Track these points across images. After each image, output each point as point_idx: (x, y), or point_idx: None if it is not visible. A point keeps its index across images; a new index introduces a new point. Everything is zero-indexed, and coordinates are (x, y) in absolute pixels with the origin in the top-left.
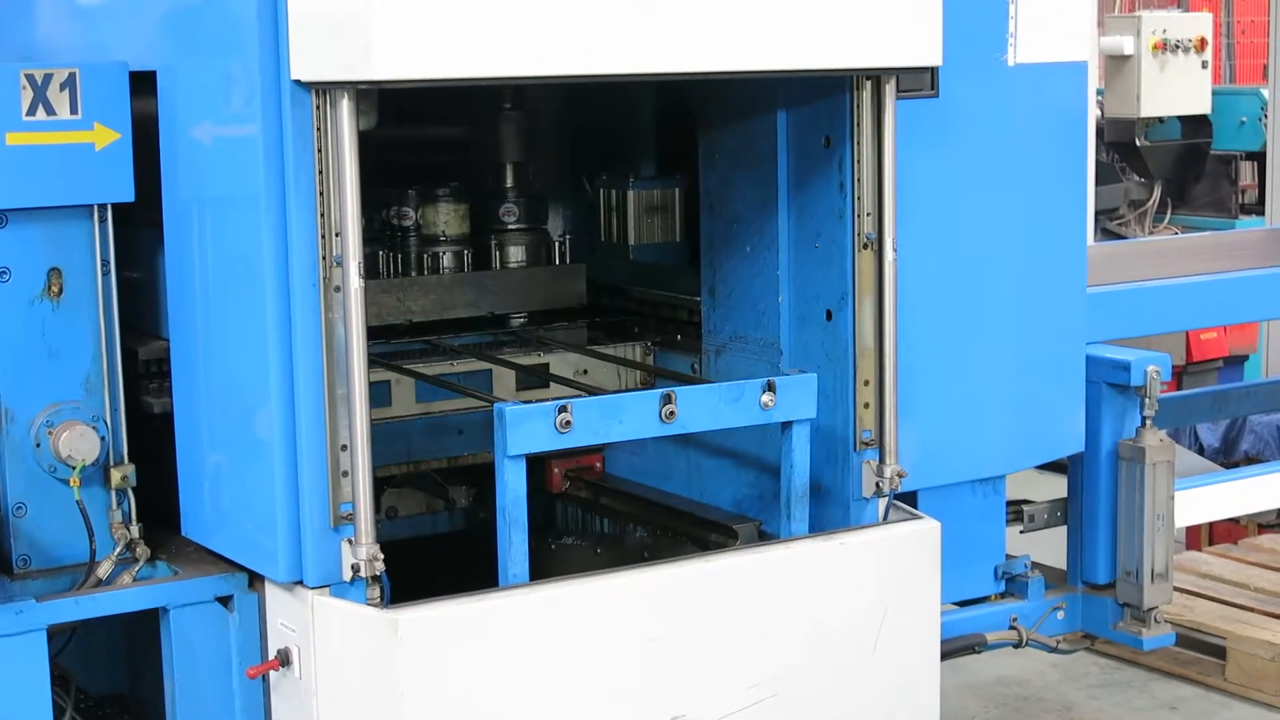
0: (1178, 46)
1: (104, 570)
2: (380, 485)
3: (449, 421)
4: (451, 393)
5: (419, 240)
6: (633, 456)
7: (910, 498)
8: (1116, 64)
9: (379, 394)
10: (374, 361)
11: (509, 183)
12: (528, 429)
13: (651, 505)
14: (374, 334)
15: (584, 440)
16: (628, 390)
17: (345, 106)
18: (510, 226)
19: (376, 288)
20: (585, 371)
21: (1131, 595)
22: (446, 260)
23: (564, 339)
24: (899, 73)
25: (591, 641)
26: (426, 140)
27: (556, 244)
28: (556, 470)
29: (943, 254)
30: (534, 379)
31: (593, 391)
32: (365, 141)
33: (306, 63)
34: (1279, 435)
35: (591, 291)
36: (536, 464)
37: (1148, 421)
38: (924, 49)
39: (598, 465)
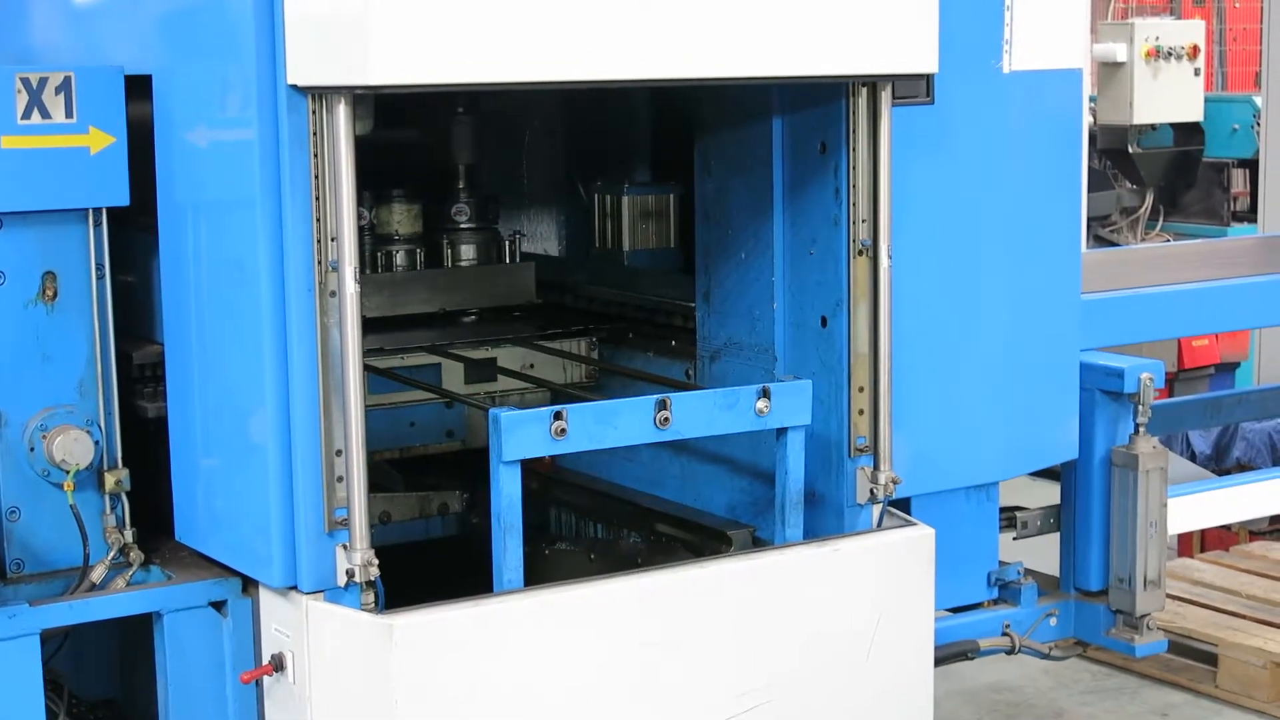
0: (1170, 54)
1: (98, 575)
2: None
3: (401, 414)
4: (402, 385)
5: (373, 239)
6: (627, 462)
7: (904, 504)
8: (1109, 71)
9: None
10: None
11: (460, 184)
12: (523, 435)
13: (645, 511)
14: None
15: (579, 446)
16: (573, 384)
17: (342, 111)
18: (462, 226)
19: None
20: (532, 366)
21: (1124, 602)
22: (399, 259)
23: (512, 334)
24: (895, 79)
25: (586, 647)
26: (382, 142)
27: (506, 242)
28: None
29: (937, 260)
30: (482, 372)
31: (540, 384)
32: None
33: (303, 67)
34: (1270, 442)
35: (585, 297)
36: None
37: (1141, 429)
38: (920, 56)
39: (547, 458)
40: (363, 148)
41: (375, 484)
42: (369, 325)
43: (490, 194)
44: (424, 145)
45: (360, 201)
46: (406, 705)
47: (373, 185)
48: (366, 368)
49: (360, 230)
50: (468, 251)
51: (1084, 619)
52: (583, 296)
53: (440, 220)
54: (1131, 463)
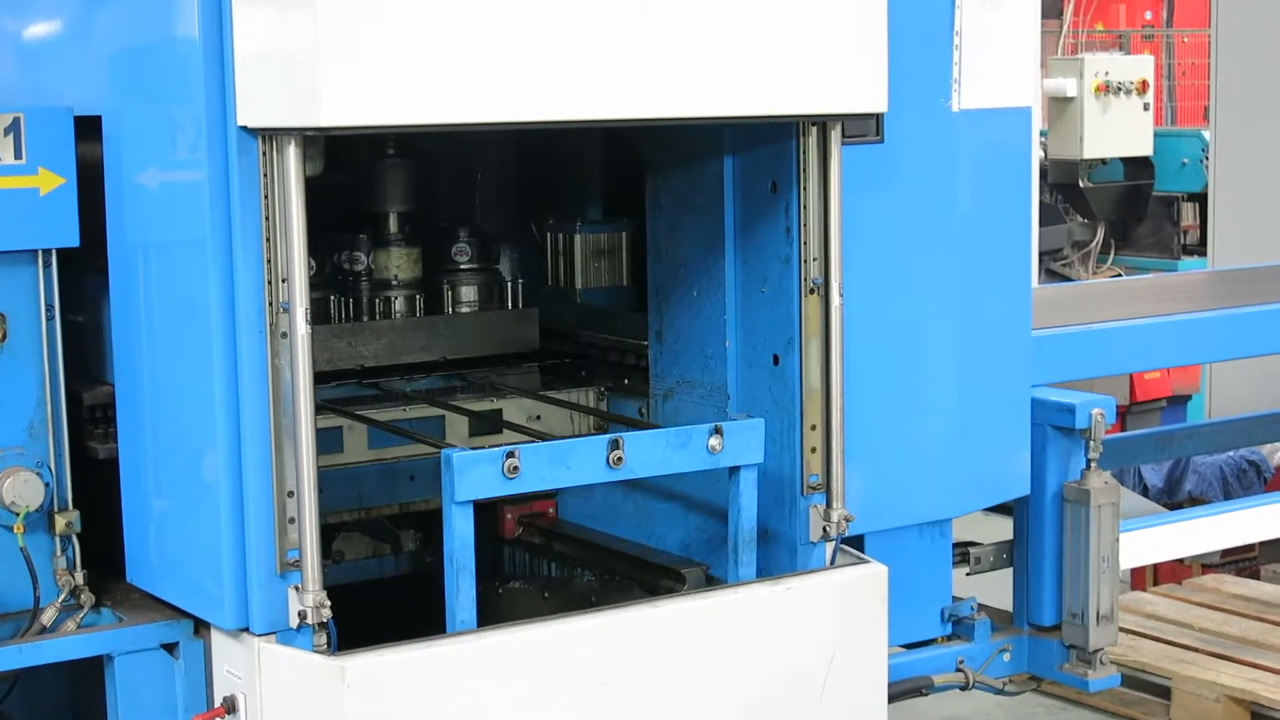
0: (1120, 89)
1: (48, 617)
2: (332, 531)
3: (401, 467)
4: (404, 438)
5: (371, 285)
6: (581, 500)
7: (857, 541)
8: (1059, 106)
9: (331, 440)
10: (326, 407)
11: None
12: (475, 475)
13: (599, 549)
14: (326, 379)
15: (532, 486)
16: (579, 436)
17: (292, 153)
18: (463, 266)
19: (328, 333)
20: (538, 417)
21: (1077, 637)
22: (398, 304)
23: (516, 384)
24: (845, 119)
25: (540, 687)
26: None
27: (509, 285)
28: (509, 516)
29: (887, 297)
30: (486, 425)
31: (545, 437)
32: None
33: (253, 109)
34: (1222, 476)
35: (539, 335)
36: (489, 509)
37: (1092, 464)
38: (869, 95)
39: (550, 511)
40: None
41: (373, 538)
42: (367, 374)
43: (491, 234)
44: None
45: (357, 246)
46: None
47: (370, 229)
48: (367, 420)
49: (357, 275)
50: (468, 293)
51: (1037, 654)
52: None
53: (440, 261)
54: (1083, 498)
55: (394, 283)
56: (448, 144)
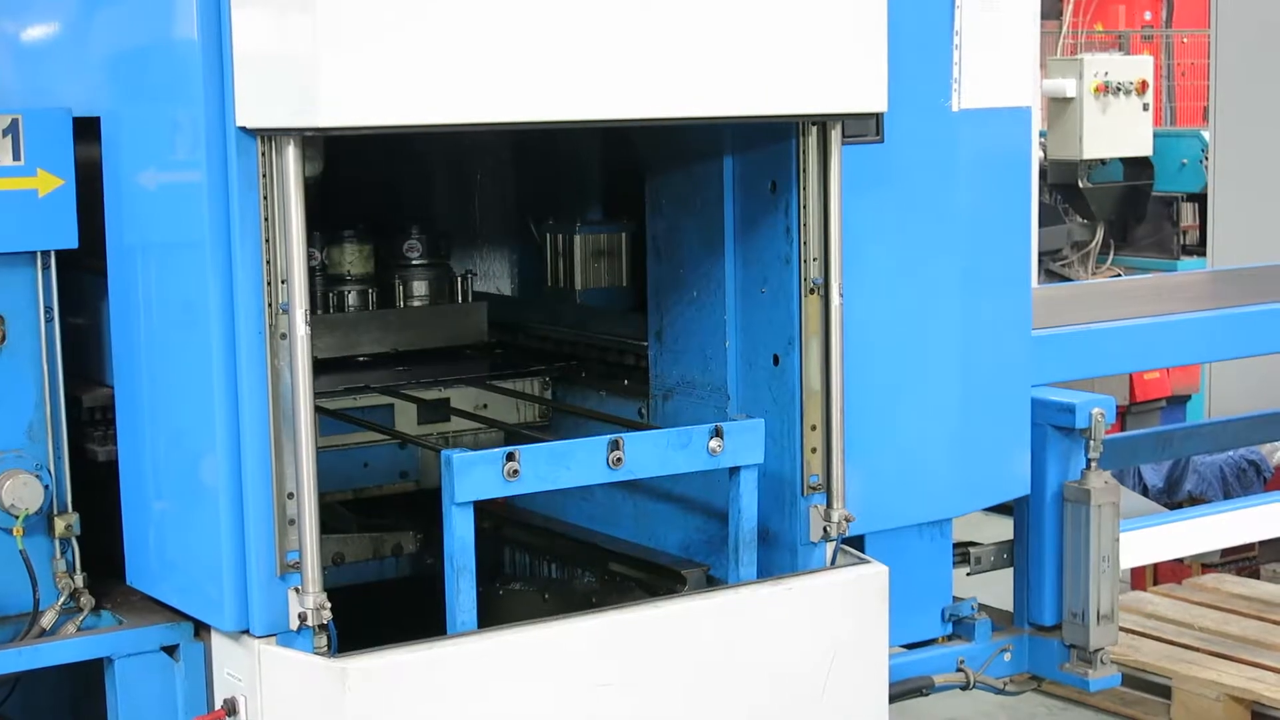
0: (1119, 89)
1: (48, 620)
2: None
3: (353, 454)
4: (356, 426)
5: (325, 280)
6: (581, 501)
7: (858, 542)
8: (1059, 106)
9: None
10: None
11: (411, 220)
12: (475, 476)
13: (599, 550)
14: None
15: (532, 487)
16: (526, 423)
17: (291, 153)
18: (414, 262)
19: None
20: (485, 406)
21: (1078, 636)
22: (351, 299)
23: (465, 374)
24: (845, 118)
25: (541, 688)
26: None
27: (459, 280)
28: None
29: (887, 297)
30: (435, 413)
31: (492, 424)
32: None
33: (252, 109)
34: (1222, 475)
35: (538, 336)
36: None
37: (1092, 464)
38: (869, 95)
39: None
40: (313, 186)
41: (328, 525)
42: (321, 366)
43: (442, 230)
44: (375, 182)
45: (311, 242)
46: None
47: (324, 225)
48: (318, 409)
49: (311, 271)
50: (420, 289)
51: (1038, 653)
52: (535, 335)
53: (392, 257)
54: (1083, 498)
55: (347, 278)
56: (448, 145)
